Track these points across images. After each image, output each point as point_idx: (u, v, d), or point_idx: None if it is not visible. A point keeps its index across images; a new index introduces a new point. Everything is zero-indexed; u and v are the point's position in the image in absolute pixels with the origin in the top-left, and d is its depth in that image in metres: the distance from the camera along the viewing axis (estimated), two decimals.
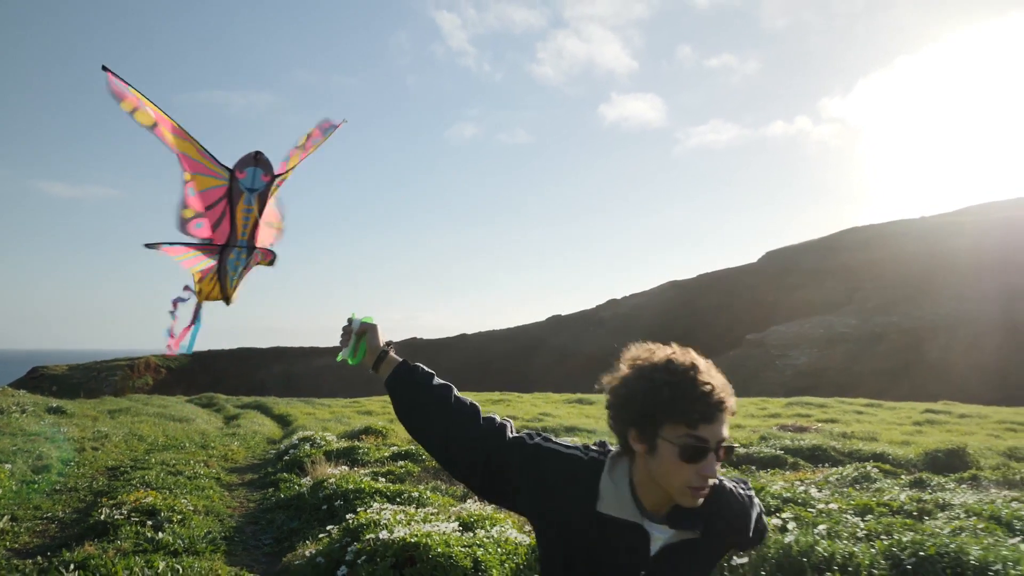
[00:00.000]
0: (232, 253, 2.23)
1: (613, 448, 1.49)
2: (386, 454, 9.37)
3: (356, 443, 10.44)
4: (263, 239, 2.30)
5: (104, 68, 1.99)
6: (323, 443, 10.38)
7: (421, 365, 1.64)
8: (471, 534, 4.67)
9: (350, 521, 5.21)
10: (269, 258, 2.33)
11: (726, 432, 1.36)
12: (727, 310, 72.33)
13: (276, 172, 2.22)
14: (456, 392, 1.61)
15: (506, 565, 4.29)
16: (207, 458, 10.49)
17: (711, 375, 1.35)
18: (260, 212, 2.21)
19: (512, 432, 1.54)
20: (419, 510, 5.57)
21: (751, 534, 1.56)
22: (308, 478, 7.73)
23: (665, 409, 1.33)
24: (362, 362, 1.70)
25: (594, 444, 1.53)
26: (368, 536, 4.59)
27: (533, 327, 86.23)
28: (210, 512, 7.03)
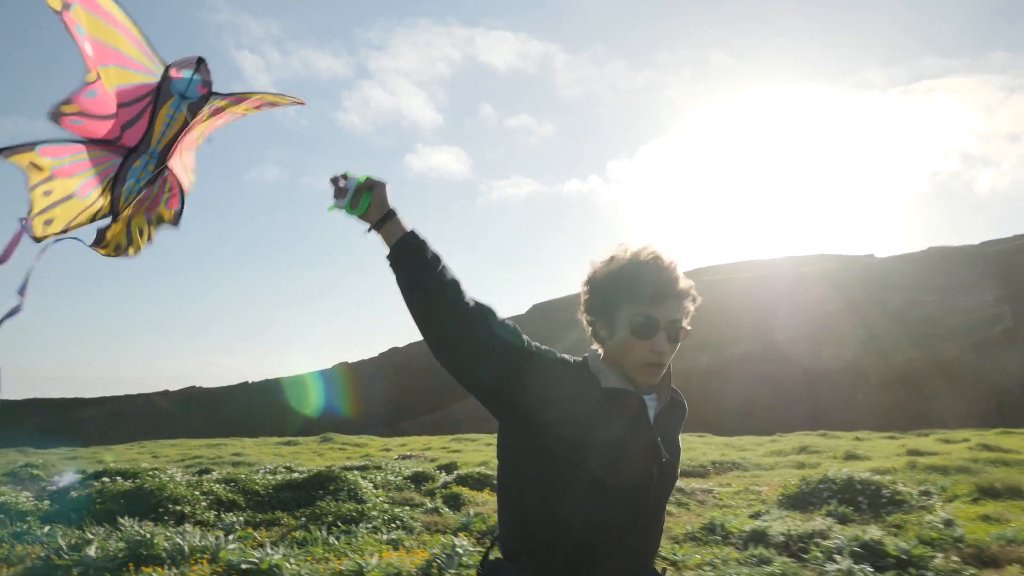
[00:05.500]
0: (139, 160, 1.69)
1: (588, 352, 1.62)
2: None
3: None
4: (178, 167, 1.79)
5: None
6: None
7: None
8: None
9: None
10: (175, 205, 1.85)
11: (680, 316, 1.49)
12: None
13: (217, 92, 1.70)
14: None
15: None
16: None
17: (671, 265, 1.49)
18: (184, 126, 1.69)
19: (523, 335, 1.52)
20: None
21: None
22: None
23: (621, 292, 1.49)
24: (364, 215, 1.53)
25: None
26: None
27: (319, 375, 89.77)
28: None
